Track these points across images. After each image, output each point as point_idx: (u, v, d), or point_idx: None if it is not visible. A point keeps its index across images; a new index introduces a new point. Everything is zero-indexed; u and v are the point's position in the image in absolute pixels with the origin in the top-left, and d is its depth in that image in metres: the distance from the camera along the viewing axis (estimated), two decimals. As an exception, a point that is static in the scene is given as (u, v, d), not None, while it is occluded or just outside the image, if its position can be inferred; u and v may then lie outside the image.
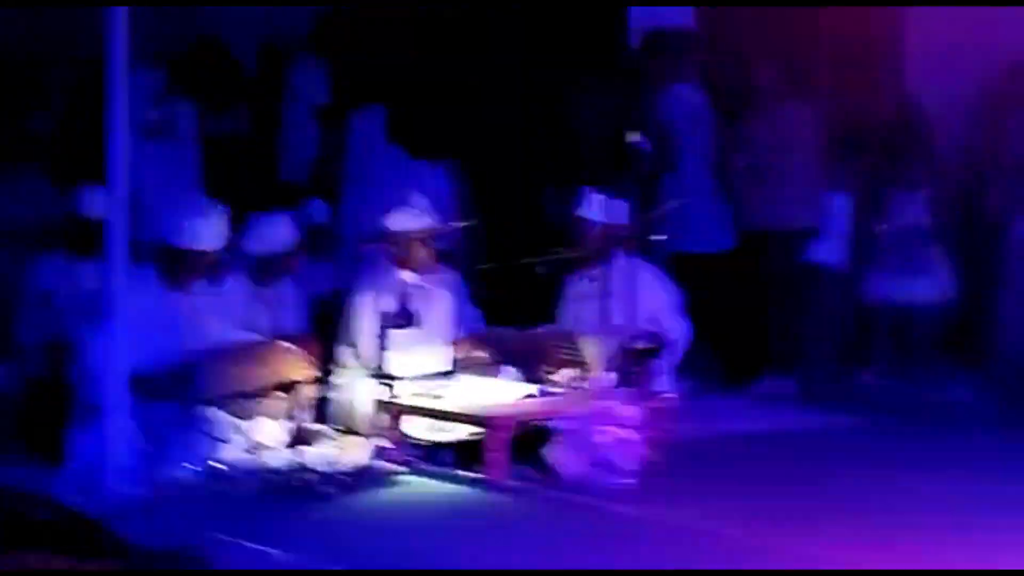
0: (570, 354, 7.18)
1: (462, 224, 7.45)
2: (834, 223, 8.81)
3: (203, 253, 6.91)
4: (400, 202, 7.42)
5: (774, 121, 8.76)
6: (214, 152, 8.91)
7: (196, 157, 8.85)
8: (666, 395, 7.15)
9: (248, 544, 5.47)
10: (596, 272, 7.50)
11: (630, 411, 6.58)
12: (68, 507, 4.49)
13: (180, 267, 6.89)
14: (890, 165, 8.81)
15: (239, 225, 7.36)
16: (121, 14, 6.21)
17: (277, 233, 7.47)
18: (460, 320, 7.49)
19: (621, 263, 7.47)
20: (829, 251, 8.82)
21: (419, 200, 7.44)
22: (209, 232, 6.92)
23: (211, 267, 7.01)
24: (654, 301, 7.44)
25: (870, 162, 8.91)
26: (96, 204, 7.05)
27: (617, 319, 7.33)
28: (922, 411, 8.16)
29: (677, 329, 7.48)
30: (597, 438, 6.45)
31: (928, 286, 8.69)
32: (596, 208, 7.53)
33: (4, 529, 4.21)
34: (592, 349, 7.13)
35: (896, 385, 8.72)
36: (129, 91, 6.29)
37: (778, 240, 8.70)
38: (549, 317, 7.66)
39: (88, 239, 7.04)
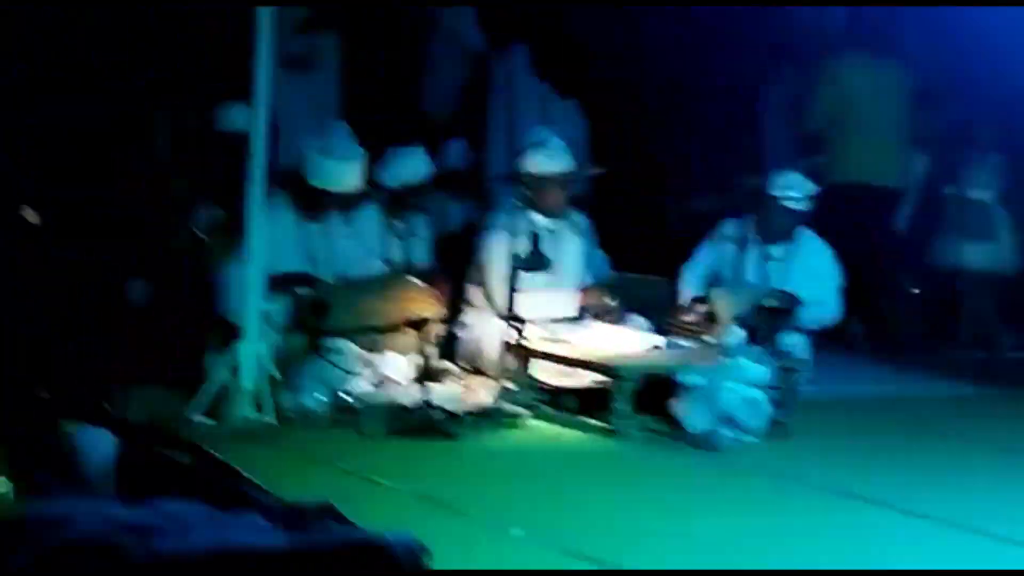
0: (701, 307, 7.13)
1: (599, 170, 7.36)
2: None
3: (339, 194, 6.93)
4: (538, 143, 7.37)
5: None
6: (357, 83, 8.87)
7: (338, 89, 8.83)
8: (796, 355, 7.07)
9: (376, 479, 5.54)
10: (779, 247, 7.40)
11: (758, 369, 6.53)
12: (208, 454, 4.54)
13: (316, 202, 6.92)
14: (964, 129, 8.62)
15: (377, 157, 7.38)
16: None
17: (412, 167, 7.47)
18: (590, 265, 7.47)
19: (802, 240, 7.42)
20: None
21: (556, 142, 7.38)
22: (346, 175, 6.92)
23: (346, 203, 7.03)
24: (820, 278, 7.37)
25: (946, 123, 8.73)
26: (239, 120, 7.06)
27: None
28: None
29: (832, 309, 7.40)
30: (724, 394, 6.40)
31: (993, 252, 8.52)
32: (795, 189, 7.41)
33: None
34: (724, 304, 7.07)
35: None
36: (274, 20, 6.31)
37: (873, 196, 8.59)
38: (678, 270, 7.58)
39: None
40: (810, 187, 7.39)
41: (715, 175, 8.20)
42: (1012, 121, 8.68)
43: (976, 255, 8.61)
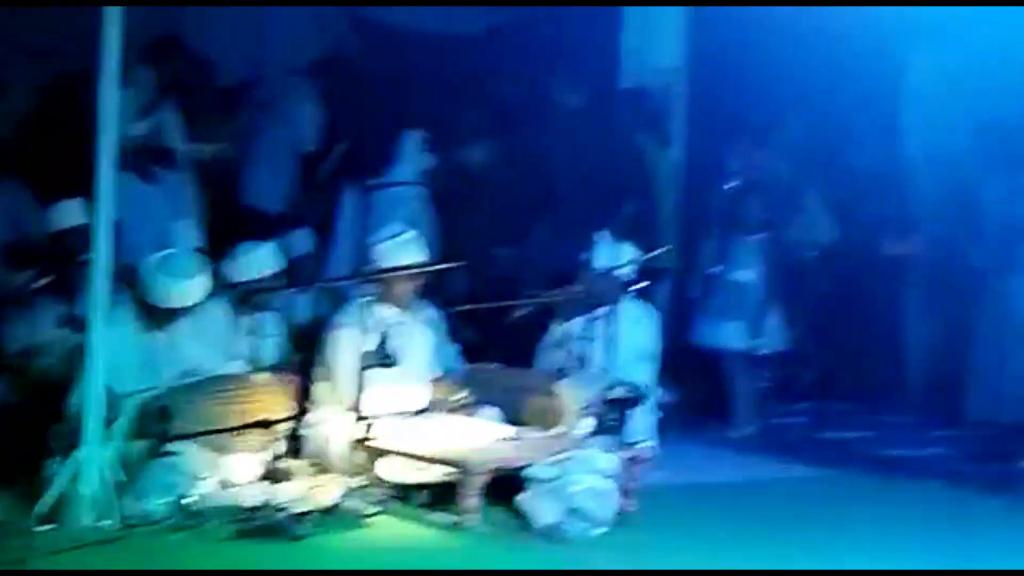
0: (549, 398, 7.19)
1: (452, 264, 7.40)
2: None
3: (184, 309, 6.90)
4: (387, 235, 7.38)
5: None
6: (201, 177, 8.84)
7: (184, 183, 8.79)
8: (643, 444, 7.15)
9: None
10: (599, 314, 7.51)
11: (608, 460, 6.59)
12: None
13: (159, 315, 6.88)
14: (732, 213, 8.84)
15: (223, 251, 7.35)
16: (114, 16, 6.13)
17: (261, 263, 7.45)
18: (440, 358, 7.49)
19: (625, 307, 7.52)
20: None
21: (406, 234, 7.40)
22: (188, 292, 6.88)
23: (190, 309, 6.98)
24: (648, 344, 7.51)
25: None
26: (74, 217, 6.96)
27: (609, 363, 7.37)
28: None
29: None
30: (572, 486, 6.44)
31: (754, 332, 8.72)
32: (607, 253, 7.55)
33: None
34: (571, 395, 7.13)
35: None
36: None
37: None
38: (530, 359, 7.65)
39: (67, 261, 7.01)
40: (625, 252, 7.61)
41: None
42: (774, 202, 8.89)
43: (737, 335, 8.77)
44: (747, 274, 8.77)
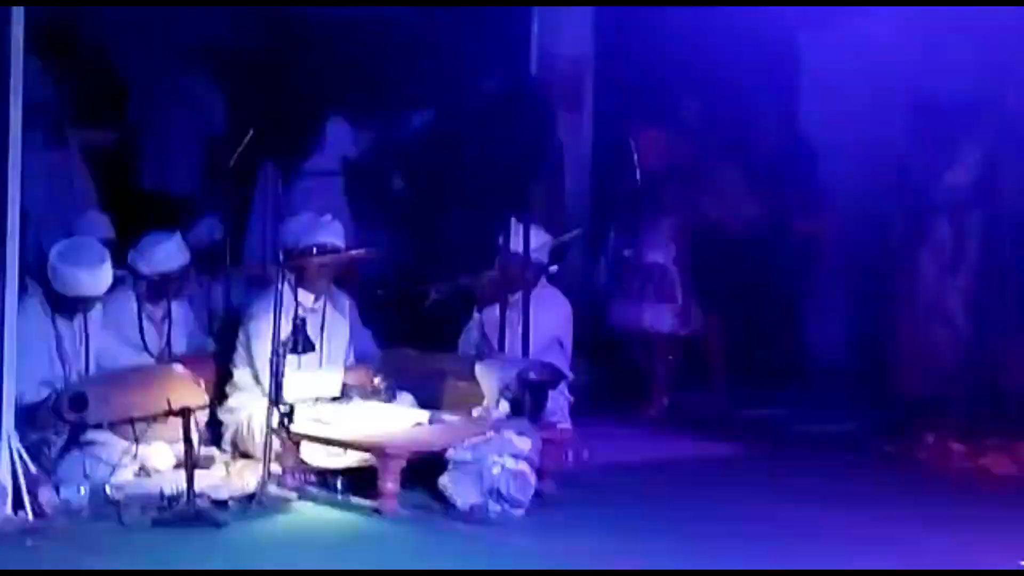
0: (466, 382, 7.22)
1: (366, 251, 7.39)
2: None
3: (91, 298, 6.82)
4: (302, 221, 7.36)
5: None
6: (96, 162, 8.75)
7: (82, 169, 8.69)
8: (560, 425, 7.20)
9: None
10: (515, 300, 7.55)
11: (524, 442, 6.62)
12: None
13: (68, 305, 6.80)
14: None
15: (128, 239, 7.28)
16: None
17: (168, 254, 7.36)
18: (355, 344, 7.49)
19: (539, 291, 7.57)
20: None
21: (321, 220, 7.38)
22: (93, 281, 6.77)
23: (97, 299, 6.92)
24: (561, 328, 7.56)
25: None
26: None
27: (527, 347, 7.41)
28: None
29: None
30: (490, 468, 6.48)
31: (669, 314, 8.84)
32: (522, 238, 7.58)
33: None
34: (488, 378, 7.16)
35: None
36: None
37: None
38: (447, 344, 7.68)
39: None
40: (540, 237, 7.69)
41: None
42: (687, 183, 9.00)
43: (653, 317, 8.87)
44: (658, 255, 8.85)
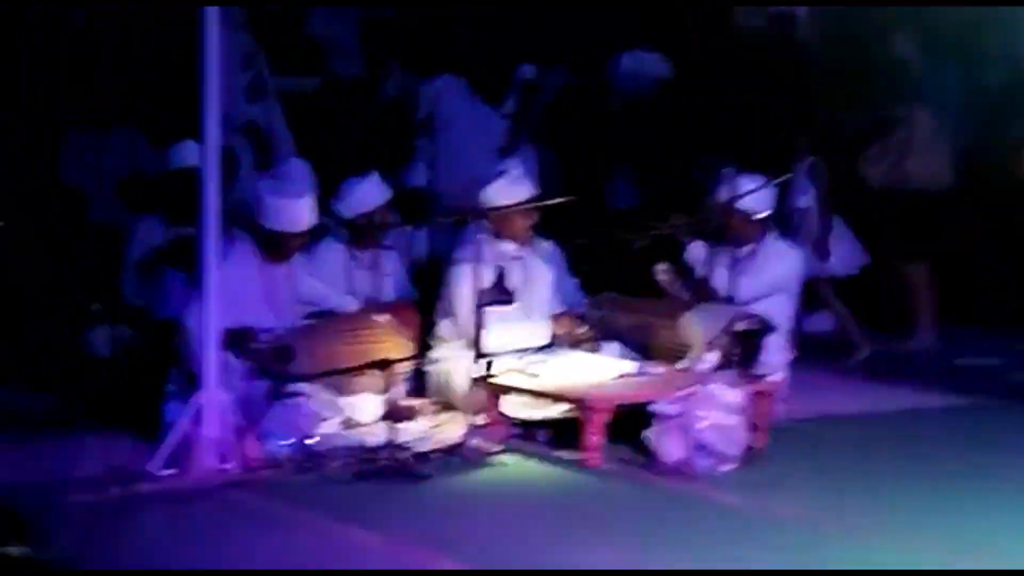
0: (674, 331, 7.03)
1: (563, 199, 7.24)
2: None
3: (296, 234, 6.82)
4: (499, 172, 7.27)
5: None
6: (299, 111, 8.78)
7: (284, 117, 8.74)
8: (771, 377, 6.97)
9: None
10: (746, 251, 7.35)
11: (733, 394, 6.42)
12: None
13: (277, 245, 6.82)
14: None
15: (332, 187, 7.28)
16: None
17: (368, 195, 7.33)
18: (560, 293, 7.37)
19: (768, 243, 7.41)
20: None
21: (517, 171, 7.28)
22: (299, 214, 6.78)
23: (305, 240, 6.92)
24: (787, 281, 7.38)
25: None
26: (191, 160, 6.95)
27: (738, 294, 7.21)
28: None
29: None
30: (698, 422, 6.30)
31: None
32: (733, 185, 7.36)
33: None
34: (696, 327, 6.96)
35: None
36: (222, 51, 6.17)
37: None
38: (650, 293, 7.49)
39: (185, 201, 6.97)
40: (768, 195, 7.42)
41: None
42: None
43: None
44: (800, 200, 8.48)
